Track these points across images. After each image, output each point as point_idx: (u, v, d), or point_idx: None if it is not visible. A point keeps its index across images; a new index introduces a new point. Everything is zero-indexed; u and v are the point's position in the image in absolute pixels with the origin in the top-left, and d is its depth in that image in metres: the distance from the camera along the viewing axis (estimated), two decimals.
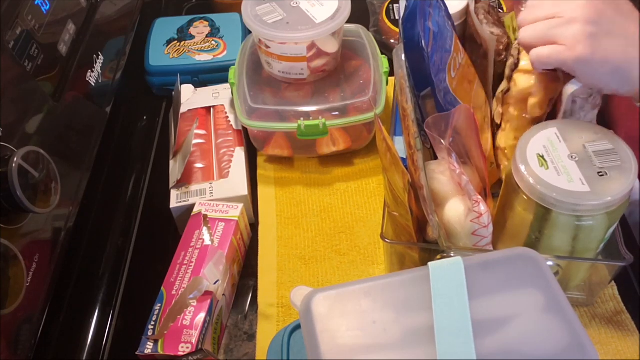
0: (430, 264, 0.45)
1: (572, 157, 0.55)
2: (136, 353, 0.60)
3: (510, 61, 0.66)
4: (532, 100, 0.63)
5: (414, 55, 0.63)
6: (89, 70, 0.74)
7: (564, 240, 0.57)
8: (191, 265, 0.66)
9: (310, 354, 0.43)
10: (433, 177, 0.60)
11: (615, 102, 0.86)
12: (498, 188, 0.67)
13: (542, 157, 0.56)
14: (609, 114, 0.87)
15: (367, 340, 0.41)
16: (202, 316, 0.61)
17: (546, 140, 0.57)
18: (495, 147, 0.70)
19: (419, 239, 0.61)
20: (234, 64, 0.84)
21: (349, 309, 0.44)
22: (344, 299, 0.45)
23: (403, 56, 0.65)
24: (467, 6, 0.79)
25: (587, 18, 0.54)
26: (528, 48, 0.59)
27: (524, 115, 0.65)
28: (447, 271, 0.44)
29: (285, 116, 0.79)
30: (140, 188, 0.83)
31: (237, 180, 0.77)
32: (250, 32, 0.83)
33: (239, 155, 0.79)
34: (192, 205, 0.73)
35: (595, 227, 0.55)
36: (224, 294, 0.66)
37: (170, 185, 0.76)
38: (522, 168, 0.55)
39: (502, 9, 0.93)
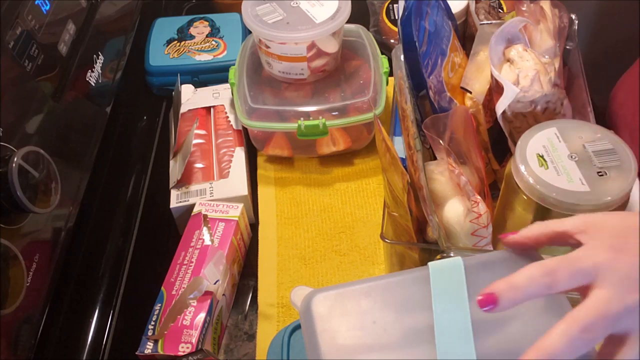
0: (430, 264, 0.45)
1: (571, 157, 0.55)
2: (136, 353, 0.60)
3: None
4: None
5: (411, 55, 0.63)
6: (89, 70, 0.74)
7: None
8: (191, 265, 0.66)
9: (310, 354, 0.43)
10: (432, 177, 0.60)
11: (617, 102, 0.86)
12: (493, 189, 0.67)
13: (542, 157, 0.56)
14: (610, 114, 0.87)
15: (367, 340, 0.41)
16: (202, 316, 0.61)
17: (546, 140, 0.57)
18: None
19: (418, 239, 0.61)
20: (234, 64, 0.84)
21: (349, 309, 0.44)
22: (344, 299, 0.45)
23: (402, 56, 0.65)
24: (468, 6, 0.79)
25: None
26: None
27: None
28: (447, 271, 0.44)
29: (285, 116, 0.79)
30: (140, 188, 0.83)
31: (237, 180, 0.77)
32: (250, 32, 0.83)
33: (239, 155, 0.79)
34: (192, 205, 0.73)
35: None
36: (224, 294, 0.66)
37: (170, 185, 0.76)
38: (522, 168, 0.55)
39: (502, 9, 0.93)
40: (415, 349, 0.41)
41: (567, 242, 0.44)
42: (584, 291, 0.41)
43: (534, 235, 0.45)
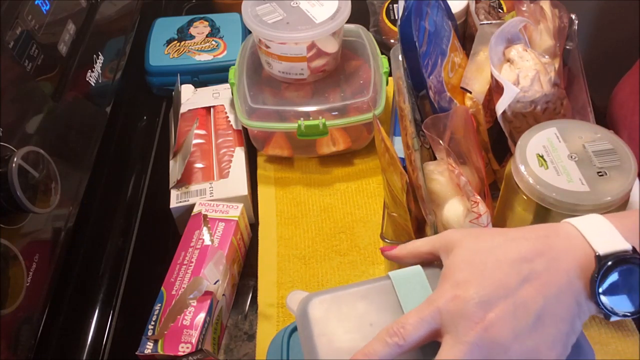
0: (390, 273, 0.46)
1: (571, 157, 0.55)
2: (136, 353, 0.60)
3: None
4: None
5: (411, 55, 0.63)
6: (89, 70, 0.74)
7: None
8: (191, 265, 0.66)
9: (307, 357, 0.43)
10: (432, 177, 0.60)
11: (617, 103, 0.86)
12: (493, 189, 0.67)
13: (542, 157, 0.56)
14: (610, 114, 0.87)
15: (364, 343, 0.41)
16: (202, 316, 0.61)
17: (546, 140, 0.57)
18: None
19: (418, 239, 0.61)
20: (234, 64, 0.84)
21: (345, 312, 0.44)
22: (340, 303, 0.45)
23: (400, 56, 0.65)
24: (467, 6, 0.79)
25: None
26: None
27: None
28: (409, 279, 0.45)
29: (285, 116, 0.79)
30: (140, 188, 0.83)
31: (237, 180, 0.77)
32: (250, 32, 0.83)
33: (239, 155, 0.79)
34: (192, 205, 0.73)
35: None
36: (224, 294, 0.66)
37: (170, 185, 0.76)
38: (522, 168, 0.55)
39: (502, 9, 0.93)
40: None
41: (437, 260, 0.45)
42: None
43: (407, 254, 0.48)
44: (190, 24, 0.99)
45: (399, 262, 0.48)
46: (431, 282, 0.45)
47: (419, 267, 0.46)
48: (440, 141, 0.60)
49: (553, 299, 0.39)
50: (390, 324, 0.41)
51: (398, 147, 0.76)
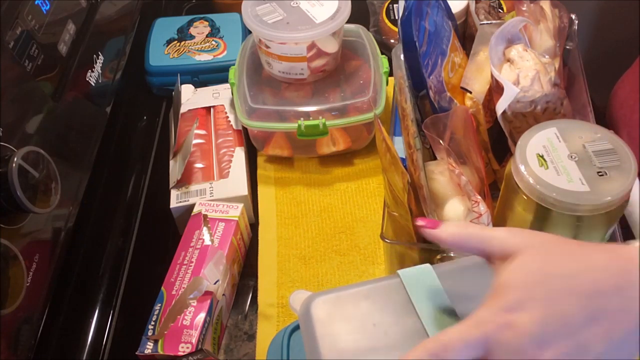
0: (399, 272, 0.45)
1: (571, 157, 0.55)
2: (136, 353, 0.60)
3: None
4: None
5: (411, 55, 0.63)
6: (89, 70, 0.74)
7: None
8: (191, 265, 0.66)
9: (310, 358, 0.43)
10: (432, 177, 0.60)
11: (617, 102, 0.86)
12: (493, 189, 0.67)
13: (542, 157, 0.56)
14: (609, 114, 0.87)
15: (367, 343, 0.41)
16: (202, 316, 0.61)
17: (546, 140, 0.57)
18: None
19: (418, 239, 0.61)
20: (234, 64, 0.84)
21: (348, 312, 0.44)
22: (343, 302, 0.44)
23: (402, 56, 0.65)
24: (468, 6, 0.79)
25: None
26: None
27: None
28: (419, 278, 0.45)
29: (285, 116, 0.79)
30: (140, 188, 0.83)
31: (237, 180, 0.77)
32: (250, 32, 0.83)
33: (239, 155, 0.80)
34: (192, 205, 0.73)
35: (595, 227, 0.55)
36: (224, 294, 0.66)
37: (170, 185, 0.76)
38: (522, 168, 0.55)
39: (502, 9, 0.93)
40: None
41: (484, 257, 0.40)
42: None
43: (452, 241, 0.41)
44: (190, 24, 0.99)
45: (438, 243, 0.42)
46: (441, 280, 0.44)
47: (428, 265, 0.45)
48: (441, 141, 0.60)
49: (617, 344, 0.35)
50: (429, 340, 0.37)
51: (398, 147, 0.76)
